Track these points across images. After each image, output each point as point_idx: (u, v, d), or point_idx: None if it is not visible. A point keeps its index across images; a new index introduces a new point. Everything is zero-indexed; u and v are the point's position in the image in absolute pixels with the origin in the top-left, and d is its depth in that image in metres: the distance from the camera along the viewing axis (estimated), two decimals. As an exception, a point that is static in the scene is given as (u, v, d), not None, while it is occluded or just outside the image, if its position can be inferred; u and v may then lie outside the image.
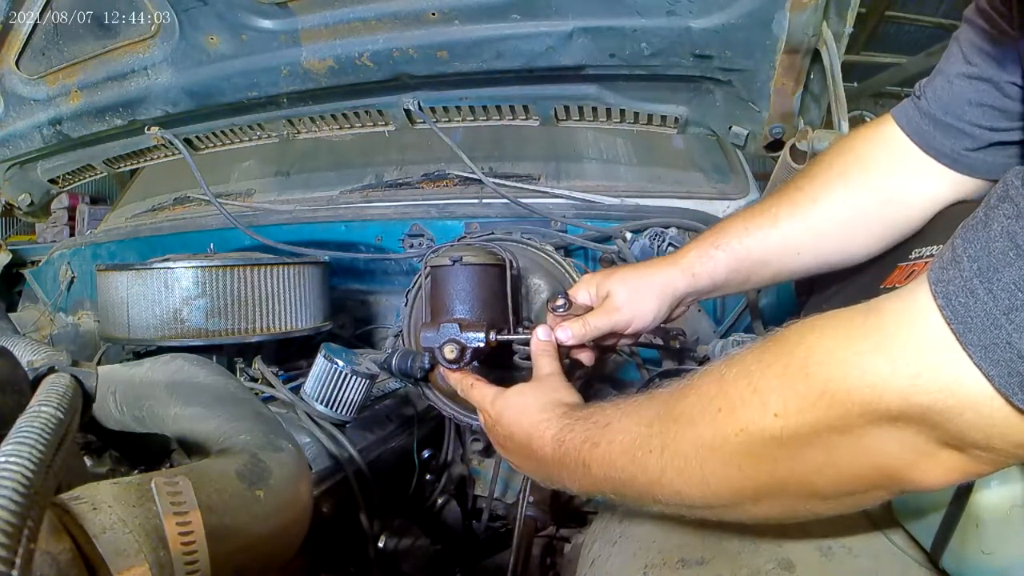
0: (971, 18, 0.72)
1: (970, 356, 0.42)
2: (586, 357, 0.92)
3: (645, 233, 1.45)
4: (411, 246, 1.52)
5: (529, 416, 0.74)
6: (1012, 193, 0.42)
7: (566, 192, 1.59)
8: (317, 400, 1.07)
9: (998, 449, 0.44)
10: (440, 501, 1.35)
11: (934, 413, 0.44)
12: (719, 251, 0.86)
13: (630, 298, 0.87)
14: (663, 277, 0.87)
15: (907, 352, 0.45)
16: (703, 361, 1.34)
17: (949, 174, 0.78)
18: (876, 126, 0.84)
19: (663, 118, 1.45)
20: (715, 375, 0.57)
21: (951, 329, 0.43)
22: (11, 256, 2.17)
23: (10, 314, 1.83)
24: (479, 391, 0.83)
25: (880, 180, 0.82)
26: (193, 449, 0.81)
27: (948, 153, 0.76)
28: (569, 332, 0.85)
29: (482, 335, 0.95)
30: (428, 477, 1.33)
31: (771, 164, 1.36)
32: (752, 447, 0.52)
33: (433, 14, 1.25)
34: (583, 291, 0.92)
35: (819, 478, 0.52)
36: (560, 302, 0.88)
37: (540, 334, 0.85)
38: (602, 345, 0.93)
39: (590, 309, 0.89)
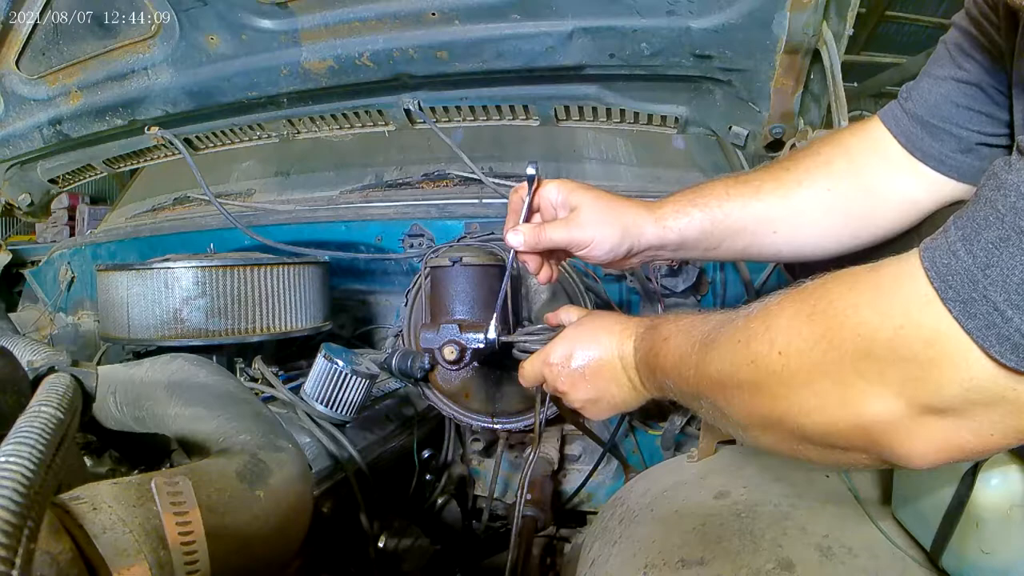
0: (961, 24, 0.74)
1: (949, 311, 0.45)
2: (534, 265, 0.87)
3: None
4: (411, 246, 1.52)
5: (608, 333, 0.81)
6: (996, 171, 0.45)
7: (566, 192, 1.59)
8: (317, 400, 1.07)
9: (977, 409, 0.46)
10: (440, 501, 1.35)
11: (915, 366, 0.47)
12: (696, 209, 0.84)
13: (596, 220, 0.82)
14: (634, 217, 0.84)
15: (894, 306, 0.48)
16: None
17: (931, 177, 0.78)
18: (864, 124, 0.85)
19: (663, 118, 1.45)
20: (746, 311, 0.62)
21: (933, 287, 0.46)
22: (11, 256, 2.17)
23: (10, 314, 1.83)
24: (532, 358, 0.88)
25: (863, 172, 0.83)
26: (193, 449, 0.81)
27: (935, 155, 0.77)
28: (521, 237, 0.82)
29: (482, 335, 0.95)
30: (428, 477, 1.33)
31: (771, 164, 1.36)
32: (758, 378, 0.57)
33: (433, 14, 1.25)
34: (553, 188, 0.86)
35: (808, 421, 0.55)
36: (531, 171, 0.84)
37: (511, 237, 0.83)
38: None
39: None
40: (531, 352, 0.89)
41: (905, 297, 0.48)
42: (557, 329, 0.90)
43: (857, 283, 0.52)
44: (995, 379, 0.44)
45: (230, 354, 1.22)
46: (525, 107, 1.48)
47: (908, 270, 0.48)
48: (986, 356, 0.43)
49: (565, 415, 1.11)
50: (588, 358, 0.81)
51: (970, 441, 0.48)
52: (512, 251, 0.85)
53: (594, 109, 1.47)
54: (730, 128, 1.39)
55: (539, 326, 0.96)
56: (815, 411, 0.53)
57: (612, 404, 0.82)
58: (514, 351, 0.93)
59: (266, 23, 1.31)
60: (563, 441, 1.43)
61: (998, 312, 0.42)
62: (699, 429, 1.12)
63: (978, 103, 0.72)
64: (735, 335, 0.60)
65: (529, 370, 0.87)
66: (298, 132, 1.64)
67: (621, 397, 0.81)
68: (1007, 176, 0.44)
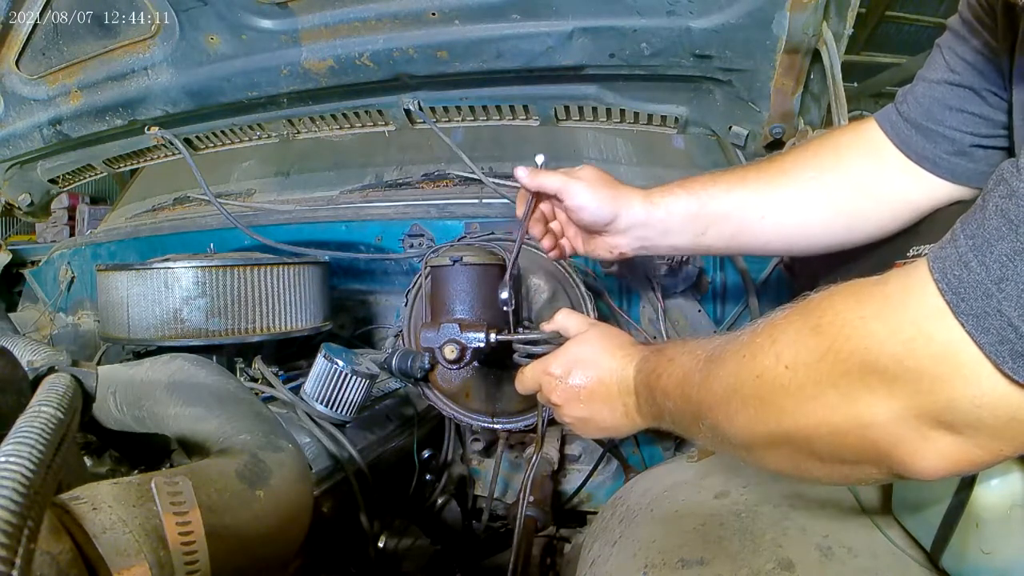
0: (955, 28, 0.74)
1: (962, 324, 0.43)
2: (538, 230, 0.95)
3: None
4: (411, 246, 1.52)
5: (611, 356, 0.80)
6: (1006, 176, 0.44)
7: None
8: (317, 400, 1.07)
9: (988, 425, 0.45)
10: (440, 501, 1.35)
11: (925, 380, 0.46)
12: (683, 191, 0.89)
13: (590, 176, 0.90)
14: (625, 189, 0.91)
15: (903, 320, 0.47)
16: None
17: (924, 178, 0.79)
18: (858, 125, 0.86)
19: (663, 118, 1.45)
20: (752, 326, 0.60)
21: (945, 300, 0.45)
22: (11, 256, 2.16)
23: (10, 314, 1.84)
24: (533, 365, 0.88)
25: (852, 167, 0.83)
26: (193, 449, 0.81)
27: (929, 157, 0.77)
28: (525, 171, 0.90)
29: (482, 335, 0.95)
30: (428, 477, 1.33)
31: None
32: (764, 393, 0.56)
33: (433, 14, 1.25)
34: (556, 178, 0.92)
35: (816, 436, 0.54)
36: (540, 159, 0.94)
37: (520, 173, 0.90)
38: (560, 241, 0.98)
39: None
40: (531, 357, 0.89)
41: (914, 310, 0.46)
42: (555, 334, 0.90)
43: (864, 295, 0.51)
44: (1007, 397, 0.43)
45: (230, 354, 1.22)
46: (525, 107, 1.48)
47: (917, 282, 0.47)
48: (998, 372, 0.42)
49: None
50: (586, 378, 0.80)
51: (980, 455, 0.47)
52: (512, 253, 0.91)
53: (594, 109, 1.47)
54: (730, 128, 1.39)
55: (538, 332, 0.96)
56: (823, 425, 0.52)
57: (601, 427, 0.82)
58: (515, 356, 0.93)
59: (266, 23, 1.31)
60: (563, 441, 1.43)
61: (1012, 328, 0.41)
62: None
63: (971, 105, 0.73)
64: (740, 350, 0.59)
65: (528, 376, 0.87)
66: (298, 132, 1.64)
67: (612, 422, 0.80)
68: (1017, 183, 0.42)
